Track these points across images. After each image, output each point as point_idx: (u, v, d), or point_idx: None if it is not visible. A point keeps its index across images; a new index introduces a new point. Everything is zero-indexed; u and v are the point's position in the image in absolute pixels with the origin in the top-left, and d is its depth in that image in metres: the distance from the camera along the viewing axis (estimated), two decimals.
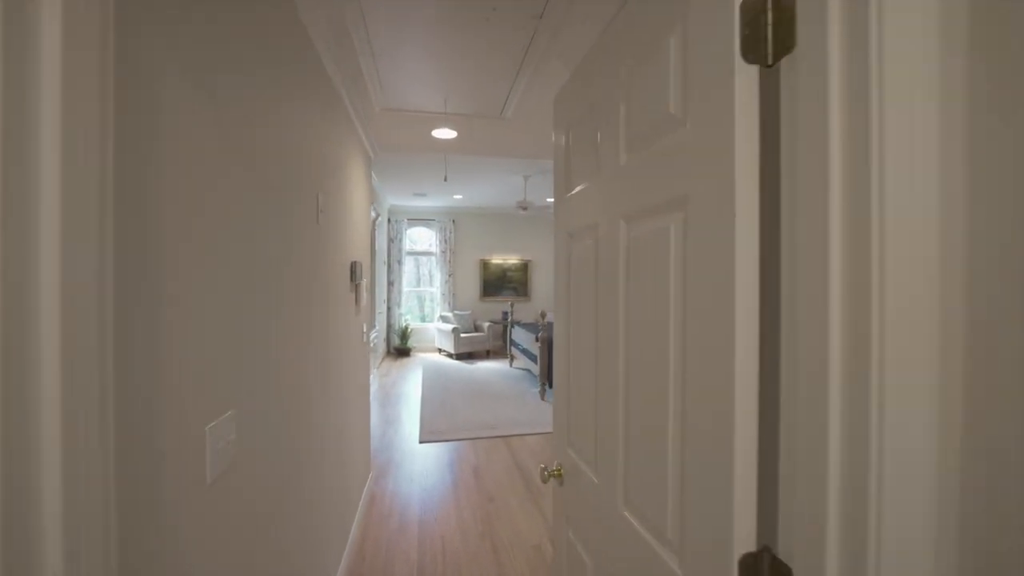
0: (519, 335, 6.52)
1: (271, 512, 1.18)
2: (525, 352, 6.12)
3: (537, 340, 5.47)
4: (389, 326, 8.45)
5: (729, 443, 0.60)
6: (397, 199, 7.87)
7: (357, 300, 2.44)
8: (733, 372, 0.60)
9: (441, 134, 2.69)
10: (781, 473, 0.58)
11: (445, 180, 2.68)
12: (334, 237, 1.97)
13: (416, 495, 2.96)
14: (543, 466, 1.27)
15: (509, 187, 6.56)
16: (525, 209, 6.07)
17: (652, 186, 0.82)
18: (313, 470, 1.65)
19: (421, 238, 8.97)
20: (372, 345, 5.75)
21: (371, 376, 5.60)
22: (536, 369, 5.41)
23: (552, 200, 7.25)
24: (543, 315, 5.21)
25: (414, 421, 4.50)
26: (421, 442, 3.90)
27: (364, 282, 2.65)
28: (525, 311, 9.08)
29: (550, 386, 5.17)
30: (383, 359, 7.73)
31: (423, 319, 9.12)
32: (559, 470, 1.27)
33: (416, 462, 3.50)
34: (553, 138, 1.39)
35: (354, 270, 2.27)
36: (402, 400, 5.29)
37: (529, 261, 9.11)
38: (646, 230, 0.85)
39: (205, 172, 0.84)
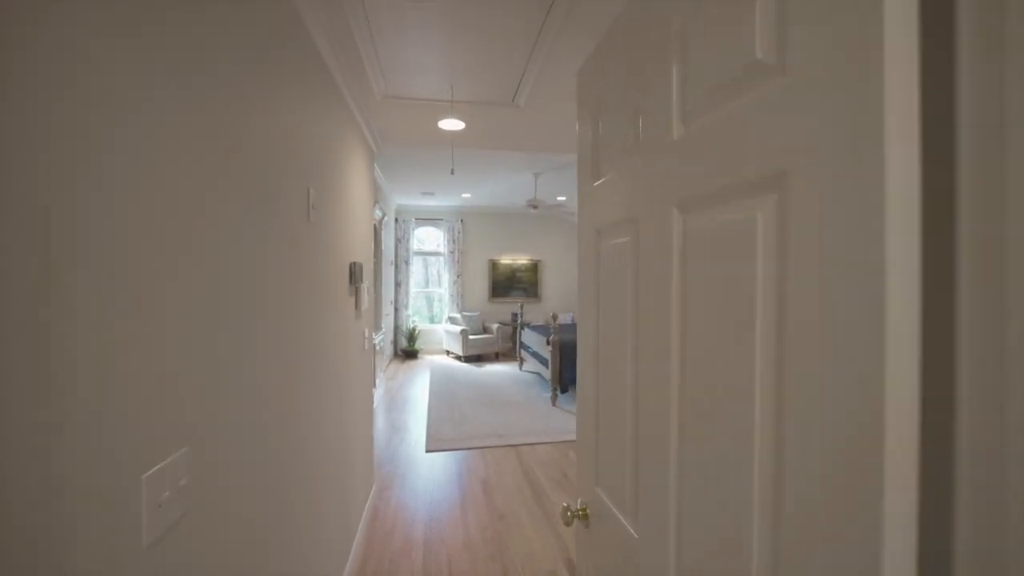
0: (529, 338, 6.32)
1: (249, 553, 1.00)
2: (535, 355, 5.93)
3: (548, 343, 5.26)
4: (396, 328, 8.30)
5: (877, 534, 0.40)
6: (404, 198, 7.71)
7: (357, 304, 2.26)
8: (883, 418, 0.40)
9: (448, 125, 2.50)
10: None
11: (452, 173, 2.47)
12: (330, 236, 1.79)
13: (422, 510, 2.78)
14: (565, 505, 1.08)
15: (519, 185, 6.37)
16: (536, 208, 5.87)
17: (724, 163, 0.62)
18: (307, 495, 1.47)
19: (429, 238, 8.81)
20: (379, 348, 5.59)
21: (377, 380, 5.44)
22: (547, 373, 5.22)
23: (563, 199, 7.04)
24: (554, 317, 5.01)
25: (421, 428, 4.32)
26: (428, 451, 3.72)
27: (366, 285, 2.47)
28: (535, 312, 8.89)
29: (562, 391, 4.97)
30: (390, 362, 7.59)
31: (431, 320, 8.96)
32: (584, 510, 1.07)
33: (422, 473, 3.32)
34: (577, 119, 1.20)
35: (353, 272, 2.09)
36: (409, 405, 5.12)
37: (539, 261, 8.91)
38: (714, 220, 0.65)
39: (161, 159, 0.66)
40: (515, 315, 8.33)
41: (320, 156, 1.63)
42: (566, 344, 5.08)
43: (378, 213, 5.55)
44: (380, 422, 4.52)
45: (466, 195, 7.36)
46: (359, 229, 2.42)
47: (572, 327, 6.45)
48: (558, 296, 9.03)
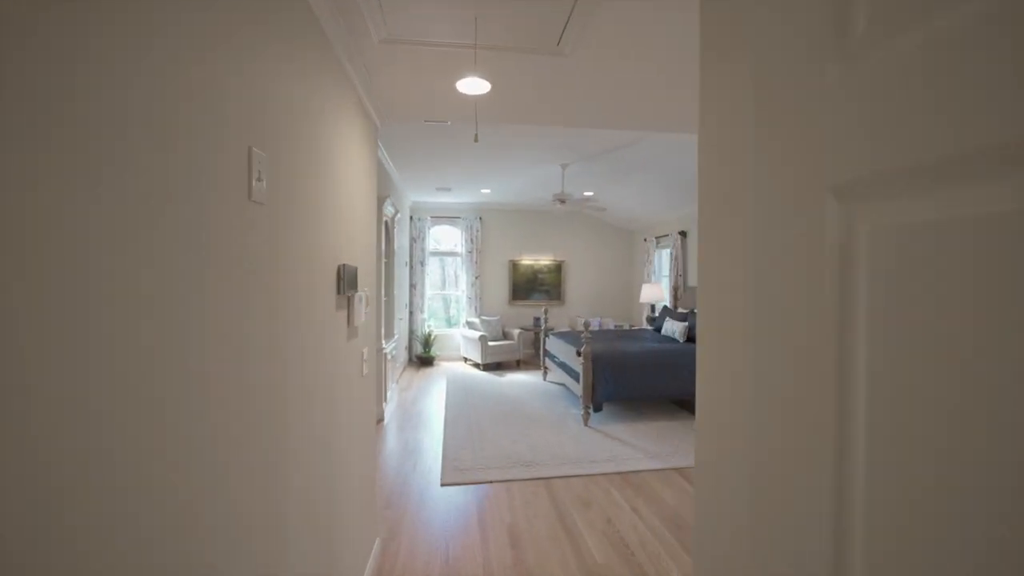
0: (555, 346, 5.74)
1: None
2: (562, 366, 5.35)
3: (579, 355, 4.67)
4: (411, 333, 7.81)
5: None
6: (419, 194, 7.22)
7: (351, 318, 1.73)
8: None
9: (469, 87, 1.94)
10: None
11: (476, 140, 1.88)
12: (301, 226, 1.25)
13: (436, 572, 2.24)
14: None
15: (543, 178, 5.80)
16: (563, 202, 5.30)
17: None
18: None
19: (446, 237, 8.31)
20: (391, 356, 5.09)
21: (389, 392, 4.93)
22: (577, 388, 4.63)
23: (590, 193, 6.43)
24: (586, 325, 4.43)
25: (436, 451, 3.79)
26: (443, 484, 3.18)
27: (364, 293, 1.94)
28: (558, 316, 8.30)
29: (594, 410, 4.38)
30: (404, 369, 7.10)
31: (448, 323, 8.45)
32: None
33: (436, 515, 2.78)
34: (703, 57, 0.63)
35: (343, 277, 1.56)
36: (423, 421, 4.59)
37: (563, 262, 8.32)
38: None
39: None
40: (537, 320, 7.76)
41: (280, 108, 1.09)
42: (601, 356, 4.49)
43: (390, 209, 5.05)
44: (391, 442, 4.01)
45: (485, 190, 6.83)
46: (356, 221, 1.89)
47: (605, 335, 5.84)
48: (583, 299, 8.43)
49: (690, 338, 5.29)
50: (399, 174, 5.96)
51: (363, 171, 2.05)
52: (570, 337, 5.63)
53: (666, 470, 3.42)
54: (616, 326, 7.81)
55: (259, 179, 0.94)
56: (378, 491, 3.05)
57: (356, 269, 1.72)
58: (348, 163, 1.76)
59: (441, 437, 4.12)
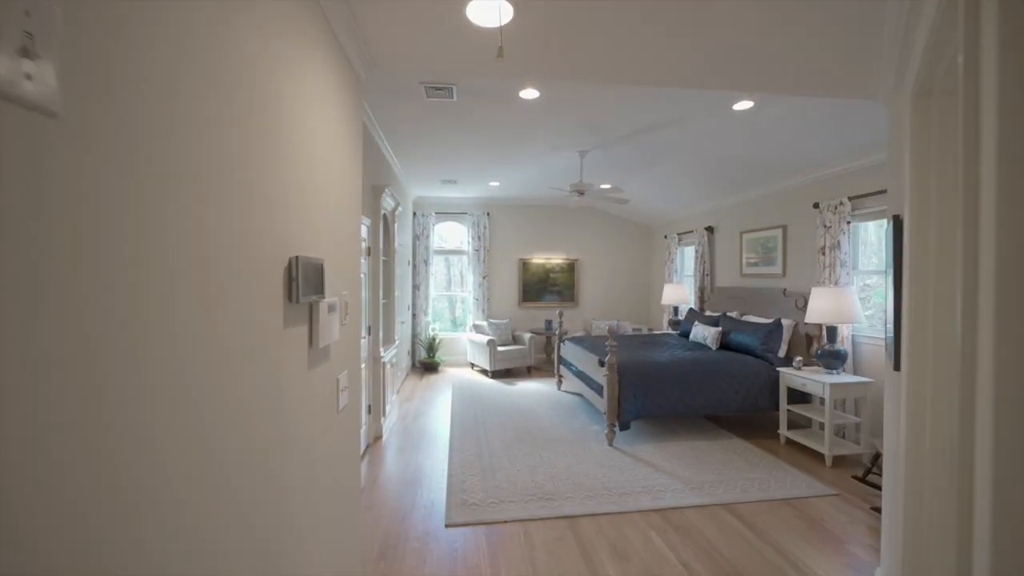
0: (572, 353, 5.21)
1: None
2: (580, 376, 4.81)
3: (602, 365, 4.14)
4: (414, 336, 7.31)
5: None
6: (423, 188, 6.71)
7: (315, 335, 1.20)
8: None
9: (482, 14, 1.41)
10: None
11: (500, 58, 1.30)
12: (196, 186, 0.73)
13: None
14: None
15: (559, 168, 5.26)
16: (581, 194, 4.76)
17: None
18: None
19: (451, 234, 7.79)
20: (391, 363, 4.58)
21: (388, 404, 4.42)
22: (600, 403, 4.09)
23: (607, 185, 5.86)
24: (611, 331, 3.88)
25: (440, 478, 3.27)
26: (449, 525, 2.66)
27: (345, 297, 1.43)
28: (571, 319, 7.76)
29: (620, 428, 3.84)
30: (406, 376, 6.59)
31: (454, 326, 7.94)
32: None
33: (441, 570, 2.25)
34: None
35: (296, 275, 1.03)
36: (426, 440, 4.08)
37: (576, 261, 7.78)
38: None
39: None
40: (549, 322, 7.23)
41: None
42: (629, 368, 3.95)
43: (389, 202, 4.54)
44: (389, 466, 3.49)
45: (493, 183, 6.30)
46: (325, 201, 1.37)
47: (626, 340, 5.30)
48: (598, 301, 7.88)
49: (724, 345, 4.73)
50: (401, 165, 5.45)
51: (340, 138, 1.53)
52: (589, 343, 5.09)
53: (713, 507, 2.88)
54: (634, 330, 7.26)
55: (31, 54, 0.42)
56: (371, 535, 2.53)
57: (322, 265, 1.20)
58: (313, 122, 1.24)
59: (446, 462, 3.60)
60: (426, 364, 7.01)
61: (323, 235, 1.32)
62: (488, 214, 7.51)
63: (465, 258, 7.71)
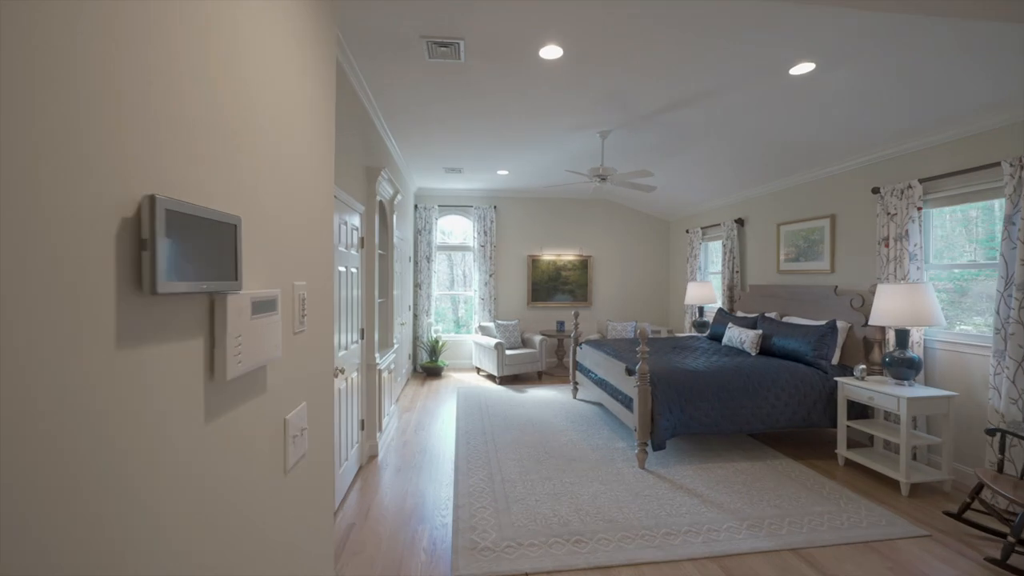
0: (590, 358, 4.67)
1: None
2: (601, 384, 4.27)
3: (629, 374, 3.60)
4: (416, 338, 6.79)
5: None
6: (425, 178, 6.19)
7: (217, 360, 0.67)
8: None
9: None
10: None
11: None
12: None
13: None
14: None
15: (576, 152, 4.73)
16: (604, 179, 4.22)
17: None
18: None
19: (455, 229, 7.27)
20: (389, 371, 4.06)
21: (385, 416, 3.90)
22: (628, 417, 3.56)
23: (626, 170, 5.30)
24: (643, 334, 3.35)
25: (444, 510, 2.75)
26: None
27: (289, 292, 0.90)
28: (585, 320, 7.22)
29: (654, 448, 3.30)
30: (407, 382, 6.06)
31: (457, 327, 7.41)
32: None
33: None
34: None
35: (150, 235, 0.50)
36: (428, 459, 3.55)
37: (589, 258, 7.24)
38: None
39: None
40: (561, 324, 6.69)
41: None
42: (663, 378, 3.41)
43: (387, 188, 4.02)
44: (384, 493, 2.97)
45: (502, 172, 5.77)
46: (252, 111, 0.84)
47: (658, 346, 4.75)
48: (612, 300, 7.34)
49: (765, 350, 4.18)
50: (400, 150, 4.93)
51: (296, 40, 1.00)
52: (611, 348, 4.55)
53: (781, 552, 2.34)
54: (653, 332, 6.72)
55: None
56: None
57: (236, 227, 0.66)
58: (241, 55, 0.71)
59: (451, 486, 3.07)
60: (428, 369, 6.49)
61: (247, 176, 0.78)
62: (495, 207, 6.98)
63: (470, 255, 7.18)
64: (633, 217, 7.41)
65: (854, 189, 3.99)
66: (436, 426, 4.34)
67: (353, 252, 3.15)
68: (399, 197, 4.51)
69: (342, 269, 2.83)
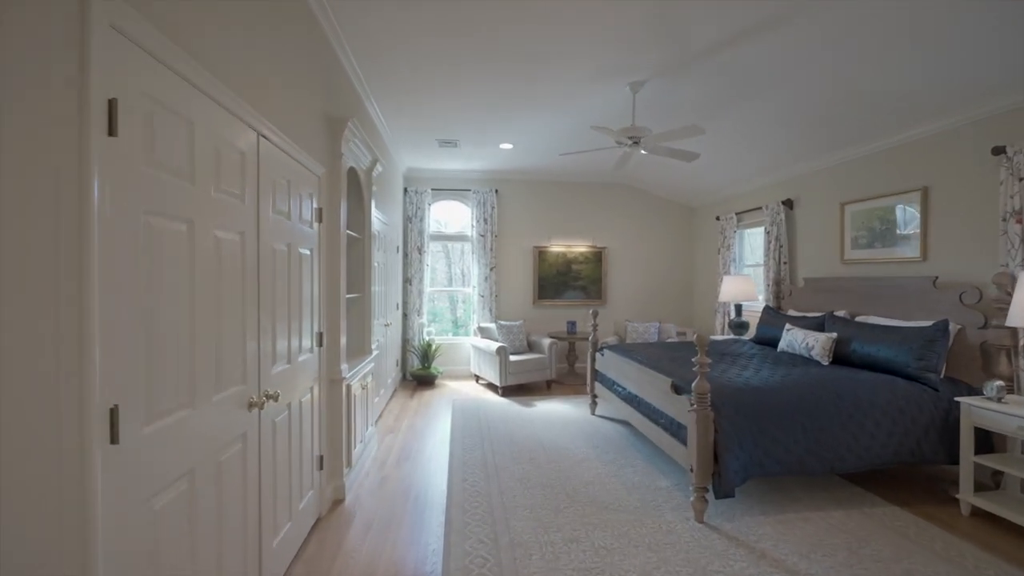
0: (615, 367, 3.79)
1: None
2: (631, 400, 3.41)
3: (677, 392, 2.73)
4: (405, 342, 5.91)
5: None
6: (416, 156, 5.30)
7: None
8: None
9: None
10: None
11: None
12: None
13: None
14: None
15: (599, 113, 3.84)
16: (636, 142, 3.34)
17: None
18: None
19: (451, 216, 6.39)
20: (364, 385, 3.19)
21: (358, 445, 3.03)
22: (679, 452, 2.68)
23: (659, 130, 4.30)
24: (700, 341, 2.46)
25: None
26: None
27: None
28: (599, 320, 6.34)
29: (717, 494, 2.41)
30: (393, 394, 5.18)
31: (456, 328, 6.55)
32: None
33: None
34: None
35: None
36: (411, 507, 2.67)
37: (603, 249, 6.37)
38: None
39: None
40: (572, 324, 5.82)
41: None
42: (726, 396, 2.53)
43: (361, 152, 3.14)
44: (347, 566, 2.08)
45: (505, 145, 4.89)
46: None
47: (678, 351, 3.87)
48: (630, 298, 6.47)
49: (840, 358, 3.31)
50: (387, 123, 4.06)
51: None
52: (641, 355, 3.67)
53: None
54: (679, 334, 5.84)
55: None
56: None
57: None
58: None
59: (441, 551, 2.19)
60: (420, 377, 5.61)
61: None
62: (496, 191, 6.10)
63: (468, 245, 6.30)
64: (653, 203, 6.53)
65: (959, 152, 3.12)
66: (425, 453, 3.46)
67: (305, 228, 2.28)
68: (379, 168, 3.63)
69: (279, 247, 1.95)
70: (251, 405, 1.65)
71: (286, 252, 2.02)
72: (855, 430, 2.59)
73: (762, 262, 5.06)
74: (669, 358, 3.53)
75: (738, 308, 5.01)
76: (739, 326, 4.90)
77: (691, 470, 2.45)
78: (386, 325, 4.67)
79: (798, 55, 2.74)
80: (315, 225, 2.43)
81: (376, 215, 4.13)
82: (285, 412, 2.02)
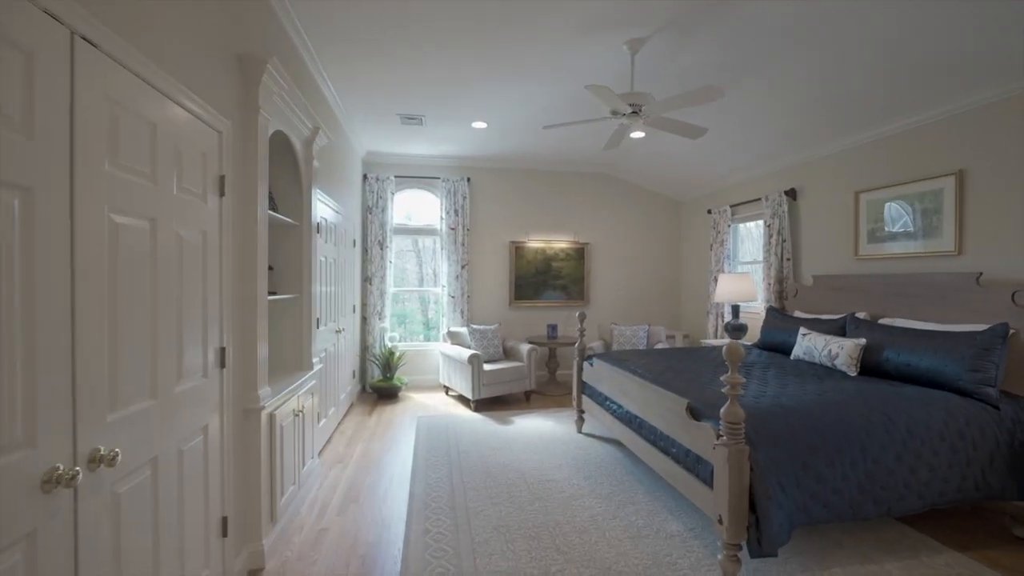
0: (608, 379, 3.23)
1: None
2: (630, 421, 2.85)
3: (695, 417, 2.17)
4: (364, 350, 5.20)
5: None
6: (376, 136, 4.60)
7: None
8: None
9: None
10: None
11: None
12: None
13: None
14: None
15: (588, 75, 3.26)
16: (636, 112, 2.78)
17: None
18: None
19: (418, 208, 5.71)
20: (297, 412, 2.52)
21: (291, 484, 2.35)
22: (711, 501, 2.12)
23: (668, 94, 3.67)
24: (732, 352, 1.90)
25: None
26: None
27: None
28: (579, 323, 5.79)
29: (754, 552, 1.84)
30: (348, 411, 4.47)
31: (426, 330, 5.88)
32: None
33: None
34: None
35: None
36: (353, 570, 2.01)
37: (586, 245, 5.83)
38: None
39: None
40: (553, 328, 5.25)
41: None
42: (766, 426, 1.98)
43: (295, 115, 2.46)
44: None
45: (479, 124, 4.27)
46: None
47: (701, 360, 3.33)
48: (614, 298, 5.96)
49: (869, 368, 2.84)
50: (338, 93, 3.37)
51: None
52: (638, 367, 3.11)
53: None
54: (668, 337, 5.36)
55: None
56: None
57: None
58: None
59: None
60: (381, 389, 4.91)
61: None
62: (468, 180, 5.47)
63: (436, 240, 5.64)
64: (638, 196, 6.04)
65: (1001, 129, 2.70)
66: (379, 491, 2.80)
67: (193, 200, 1.60)
68: (323, 140, 2.95)
69: (131, 222, 1.28)
70: (50, 482, 0.98)
71: (147, 231, 1.34)
72: (912, 461, 2.09)
73: (761, 259, 4.62)
74: (673, 370, 2.98)
75: (735, 309, 4.54)
76: (737, 329, 4.42)
77: (719, 521, 1.89)
78: (338, 331, 3.97)
79: (837, 5, 2.23)
80: (212, 199, 1.74)
81: (324, 200, 3.44)
82: (145, 473, 1.34)
